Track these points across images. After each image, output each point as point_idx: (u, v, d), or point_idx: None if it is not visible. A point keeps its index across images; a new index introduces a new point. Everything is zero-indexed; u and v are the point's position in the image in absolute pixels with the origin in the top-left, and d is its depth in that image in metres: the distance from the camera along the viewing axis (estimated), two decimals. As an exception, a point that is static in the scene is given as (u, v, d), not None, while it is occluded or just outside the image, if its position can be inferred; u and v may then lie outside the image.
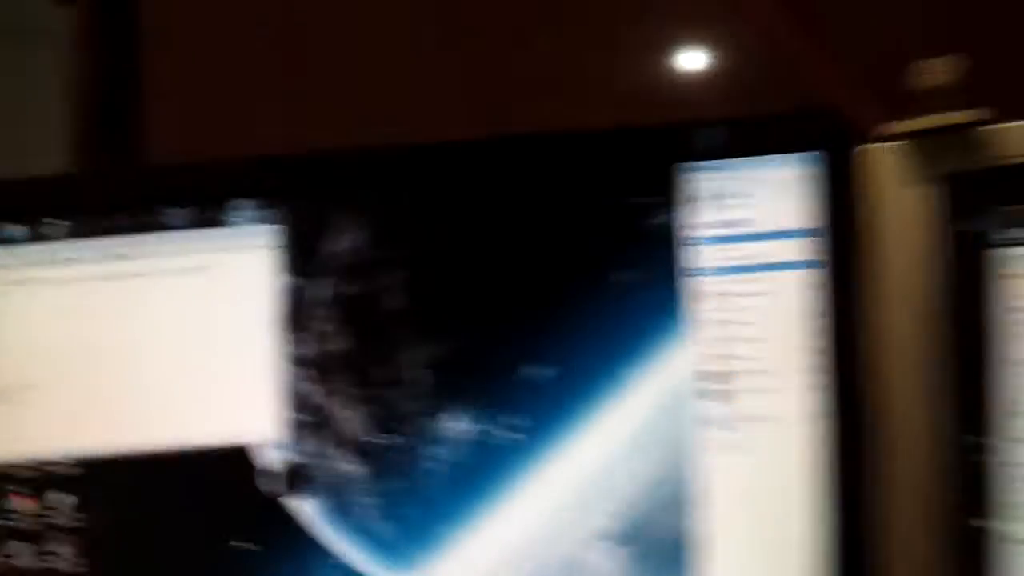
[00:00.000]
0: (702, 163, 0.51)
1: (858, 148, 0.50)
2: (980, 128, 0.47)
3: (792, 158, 0.50)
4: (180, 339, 0.54)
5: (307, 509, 0.52)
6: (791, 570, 0.52)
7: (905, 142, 0.48)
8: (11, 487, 0.54)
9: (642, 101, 0.70)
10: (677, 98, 0.70)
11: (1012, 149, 0.48)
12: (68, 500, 0.54)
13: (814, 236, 0.50)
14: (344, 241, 0.52)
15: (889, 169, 0.50)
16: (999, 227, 0.48)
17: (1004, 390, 0.49)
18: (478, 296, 0.52)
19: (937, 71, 0.47)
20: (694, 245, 0.51)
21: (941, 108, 0.46)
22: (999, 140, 0.48)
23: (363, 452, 0.52)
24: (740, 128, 0.51)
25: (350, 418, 0.52)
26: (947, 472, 0.50)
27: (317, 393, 0.52)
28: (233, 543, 0.53)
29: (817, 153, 0.50)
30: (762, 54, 0.67)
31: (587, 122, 0.66)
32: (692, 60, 0.74)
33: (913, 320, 0.50)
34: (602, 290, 0.51)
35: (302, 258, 0.52)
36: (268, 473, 0.53)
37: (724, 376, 0.51)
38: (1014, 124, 0.48)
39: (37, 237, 0.55)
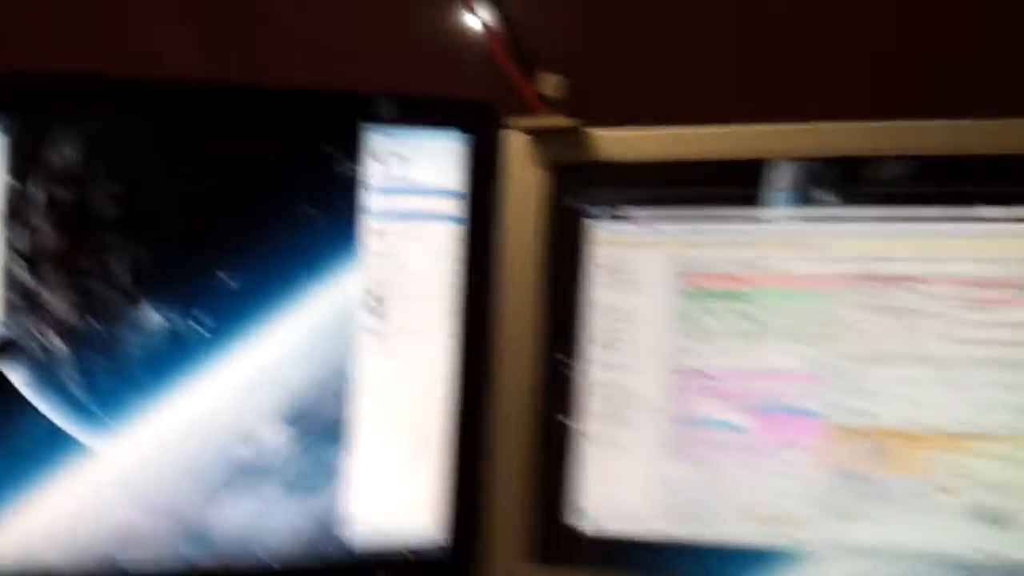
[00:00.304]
0: (382, 126, 0.62)
1: (500, 134, 0.63)
2: (579, 131, 0.62)
3: (452, 134, 0.62)
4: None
5: (16, 376, 0.58)
6: (424, 448, 0.65)
7: (529, 135, 0.63)
8: None
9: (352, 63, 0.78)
10: (387, 64, 0.78)
11: (601, 150, 0.63)
12: None
13: (461, 198, 0.63)
14: (64, 152, 0.57)
15: (518, 154, 0.64)
16: (589, 206, 0.64)
17: (586, 323, 0.65)
18: (183, 212, 0.59)
19: (549, 84, 0.61)
20: (368, 191, 0.62)
21: (553, 113, 0.60)
22: (592, 142, 0.63)
23: (68, 333, 0.58)
24: (415, 103, 0.62)
25: (58, 303, 0.58)
26: (543, 381, 0.65)
27: (31, 279, 0.58)
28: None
29: (471, 133, 0.63)
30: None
31: (303, 70, 0.74)
32: (406, 31, 0.83)
33: (527, 268, 0.64)
34: (290, 218, 0.61)
35: (24, 163, 0.57)
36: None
37: (382, 298, 0.63)
38: (604, 131, 0.63)
39: None
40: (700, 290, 0.63)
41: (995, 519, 0.59)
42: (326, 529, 0.64)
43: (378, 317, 0.63)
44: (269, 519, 0.62)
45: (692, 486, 0.63)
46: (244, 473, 0.62)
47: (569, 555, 0.65)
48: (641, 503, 0.64)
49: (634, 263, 0.63)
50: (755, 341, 0.62)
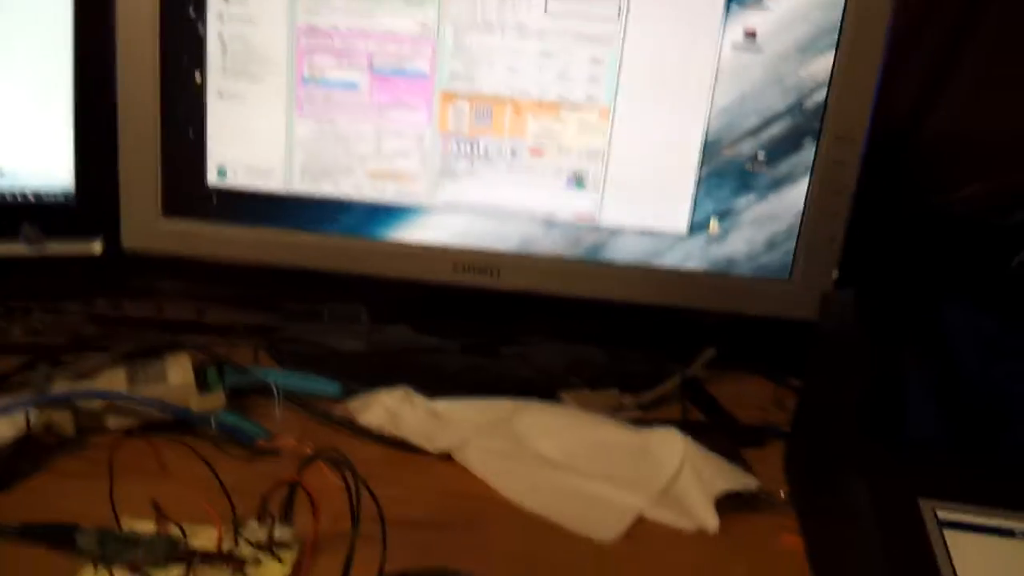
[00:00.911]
0: None
1: None
2: None
3: None
4: None
5: None
6: (50, 98, 0.65)
7: None
8: None
9: None
10: None
11: None
12: None
13: None
14: None
15: None
16: None
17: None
18: None
19: None
20: None
21: None
22: None
23: None
24: None
25: None
26: (176, 38, 0.66)
27: None
28: None
29: None
30: None
31: None
32: None
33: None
34: None
35: None
36: None
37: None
38: None
39: None
40: (321, -55, 0.64)
41: (580, 181, 0.68)
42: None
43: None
44: None
45: (315, 143, 0.68)
46: None
47: (200, 209, 0.69)
48: (268, 159, 0.69)
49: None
50: (373, 1, 0.65)
